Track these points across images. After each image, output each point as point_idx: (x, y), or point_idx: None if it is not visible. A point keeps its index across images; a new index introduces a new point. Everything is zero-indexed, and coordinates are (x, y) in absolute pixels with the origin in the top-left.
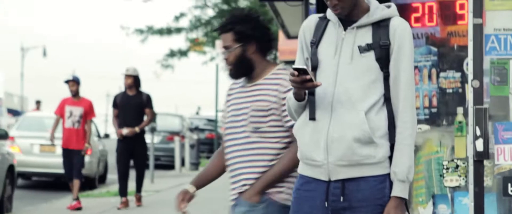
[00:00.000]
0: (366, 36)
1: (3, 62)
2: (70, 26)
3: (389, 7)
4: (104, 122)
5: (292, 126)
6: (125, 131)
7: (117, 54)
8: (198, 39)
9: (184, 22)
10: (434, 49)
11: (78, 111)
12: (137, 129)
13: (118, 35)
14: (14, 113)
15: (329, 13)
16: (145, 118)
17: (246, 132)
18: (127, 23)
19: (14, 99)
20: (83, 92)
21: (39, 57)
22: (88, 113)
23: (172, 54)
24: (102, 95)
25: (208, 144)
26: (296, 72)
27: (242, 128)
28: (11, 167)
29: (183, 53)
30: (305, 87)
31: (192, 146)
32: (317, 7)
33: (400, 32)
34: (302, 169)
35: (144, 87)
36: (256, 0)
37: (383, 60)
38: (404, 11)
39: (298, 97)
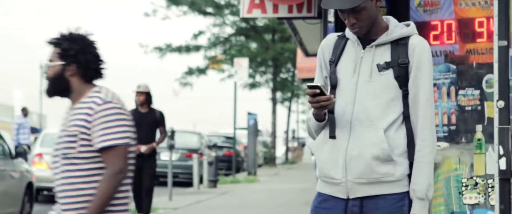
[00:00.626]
0: (385, 55)
1: (22, 80)
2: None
3: (408, 25)
4: None
5: (103, 148)
6: (143, 148)
7: (136, 72)
8: (216, 57)
9: (202, 40)
10: (453, 67)
11: None
12: (154, 145)
13: (137, 53)
14: (33, 130)
15: (348, 31)
16: (158, 135)
17: (60, 157)
18: (146, 41)
19: (33, 117)
20: None
21: None
22: None
23: (190, 72)
24: None
25: (226, 161)
26: (316, 91)
27: (58, 153)
28: (30, 184)
29: (201, 71)
30: (322, 106)
31: (210, 163)
32: (336, 25)
33: (419, 50)
34: (320, 187)
35: (163, 105)
36: (274, 18)
37: (402, 79)
38: (423, 29)
39: (318, 118)
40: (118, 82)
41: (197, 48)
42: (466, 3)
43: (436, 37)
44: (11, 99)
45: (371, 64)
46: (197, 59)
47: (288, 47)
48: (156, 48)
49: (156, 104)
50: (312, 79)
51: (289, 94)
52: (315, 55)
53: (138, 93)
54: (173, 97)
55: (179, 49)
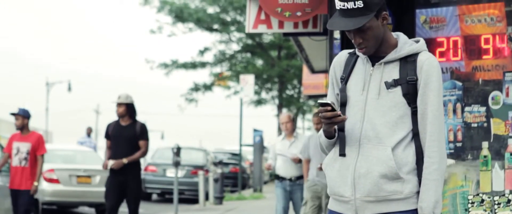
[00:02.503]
0: (393, 72)
1: (29, 98)
2: (94, 60)
3: (417, 41)
4: None
5: None
6: (110, 162)
7: (142, 88)
8: (222, 73)
9: (208, 57)
10: (459, 83)
11: (25, 147)
12: (125, 160)
13: (143, 69)
14: None
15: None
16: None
17: None
18: (152, 57)
19: None
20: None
21: (64, 92)
22: (36, 149)
23: (196, 88)
24: None
25: (232, 178)
26: (328, 108)
27: None
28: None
29: (207, 87)
30: (333, 123)
31: (216, 180)
32: (342, 42)
33: (427, 67)
34: (331, 205)
35: (168, 121)
36: (280, 35)
37: (411, 96)
38: (429, 45)
39: (328, 135)
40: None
41: (203, 64)
42: (472, 20)
43: (442, 54)
44: None
45: (379, 82)
46: (203, 76)
47: (294, 64)
48: (162, 65)
49: (161, 121)
50: (318, 96)
51: (295, 111)
52: (321, 72)
53: (118, 104)
54: (179, 114)
55: (185, 66)
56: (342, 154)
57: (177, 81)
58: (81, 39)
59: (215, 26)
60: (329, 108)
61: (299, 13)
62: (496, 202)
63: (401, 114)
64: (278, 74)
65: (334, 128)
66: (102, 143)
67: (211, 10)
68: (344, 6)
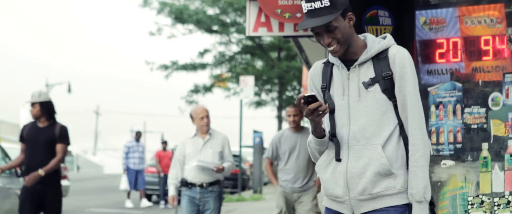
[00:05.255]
0: (368, 71)
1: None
2: (94, 62)
3: (384, 38)
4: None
5: None
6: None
7: (142, 90)
8: (222, 75)
9: (208, 58)
10: (459, 85)
11: None
12: (41, 172)
13: (143, 70)
14: None
15: (331, 57)
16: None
17: None
18: (152, 59)
19: None
20: (108, 127)
21: (63, 93)
22: None
23: (196, 90)
24: (126, 131)
25: (232, 179)
26: (312, 105)
27: None
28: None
29: (207, 89)
30: (319, 114)
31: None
32: None
33: (399, 59)
34: (327, 203)
35: (169, 123)
36: (280, 36)
37: (390, 91)
38: (429, 47)
39: (318, 134)
40: (125, 100)
41: (203, 66)
42: (472, 21)
43: (442, 55)
44: (17, 118)
45: (357, 84)
46: (202, 77)
47: (294, 65)
48: (162, 66)
49: (161, 122)
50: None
51: None
52: None
53: (31, 104)
54: (179, 115)
55: (185, 67)
56: (338, 159)
57: (177, 82)
58: (81, 40)
59: (215, 28)
60: (311, 101)
61: (299, 14)
62: (496, 204)
63: (384, 110)
64: (278, 75)
65: (323, 127)
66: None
67: (211, 11)
68: (311, 6)
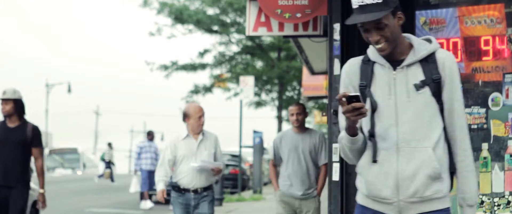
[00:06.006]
0: (417, 73)
1: (29, 99)
2: (94, 62)
3: (429, 40)
4: (128, 158)
5: None
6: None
7: (142, 90)
8: (222, 75)
9: (208, 58)
10: None
11: None
12: (41, 191)
13: (143, 71)
14: None
15: (373, 55)
16: (34, 161)
17: None
18: (152, 59)
19: None
20: (107, 127)
21: (64, 93)
22: None
23: (196, 90)
24: (126, 131)
25: (232, 179)
26: (355, 104)
27: None
28: (35, 203)
29: (207, 89)
30: (360, 114)
31: (215, 181)
32: (342, 43)
33: (449, 63)
34: (367, 203)
35: (169, 123)
36: (280, 36)
37: (437, 94)
38: None
39: (352, 132)
40: (125, 100)
41: (203, 66)
42: (472, 22)
43: None
44: None
45: (406, 85)
46: (202, 77)
47: (294, 65)
48: (162, 66)
49: (161, 122)
50: (318, 97)
51: None
52: (320, 73)
53: (3, 101)
54: (179, 115)
55: (184, 68)
56: (375, 160)
57: (177, 82)
58: (81, 40)
59: (215, 28)
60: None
61: (299, 15)
62: (496, 204)
63: (433, 113)
64: (278, 75)
65: (358, 126)
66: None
67: (210, 11)
68: (362, 2)
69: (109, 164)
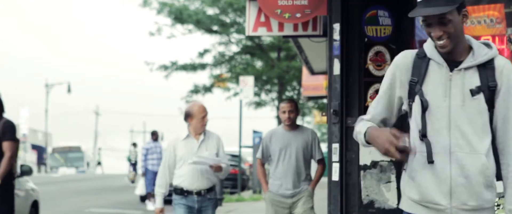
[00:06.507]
0: (474, 78)
1: (28, 99)
2: (94, 62)
3: (488, 45)
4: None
5: None
6: None
7: (142, 90)
8: (222, 75)
9: (208, 58)
10: None
11: None
12: None
13: (143, 70)
14: (38, 149)
15: (430, 52)
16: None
17: None
18: (152, 59)
19: (38, 136)
20: (107, 127)
21: (63, 93)
22: None
23: (196, 90)
24: (125, 131)
25: (231, 179)
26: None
27: None
28: (35, 203)
29: (207, 89)
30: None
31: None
32: (341, 43)
33: (507, 72)
34: (416, 209)
35: (169, 123)
36: (280, 36)
37: (490, 102)
38: None
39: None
40: (125, 100)
41: (203, 66)
42: (472, 21)
43: None
44: (17, 118)
45: (462, 88)
46: (202, 77)
47: (294, 65)
48: (162, 66)
49: (161, 122)
50: (317, 97)
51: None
52: (320, 73)
53: None
54: (179, 115)
55: (184, 68)
56: (431, 161)
57: (177, 82)
58: (81, 40)
59: (215, 28)
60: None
61: (298, 15)
62: (496, 203)
63: (485, 120)
64: (278, 75)
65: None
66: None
67: (210, 11)
68: None
69: (135, 165)
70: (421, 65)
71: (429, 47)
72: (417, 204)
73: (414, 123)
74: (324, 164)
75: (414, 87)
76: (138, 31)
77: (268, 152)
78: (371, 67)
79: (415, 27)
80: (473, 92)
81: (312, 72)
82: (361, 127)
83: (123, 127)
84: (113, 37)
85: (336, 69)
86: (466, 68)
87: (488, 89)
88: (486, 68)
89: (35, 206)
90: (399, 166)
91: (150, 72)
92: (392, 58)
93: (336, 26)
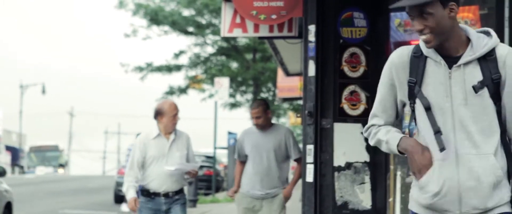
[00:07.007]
0: (475, 73)
1: (2, 100)
2: (70, 62)
3: (488, 33)
4: (102, 159)
5: None
6: None
7: (118, 90)
8: (197, 76)
9: (183, 60)
10: None
11: None
12: None
13: (118, 72)
14: (12, 150)
15: (426, 49)
16: None
17: None
18: (127, 60)
19: (12, 137)
20: (82, 129)
21: (38, 94)
22: None
23: (171, 91)
24: (100, 132)
25: (206, 180)
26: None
27: None
28: (8, 204)
29: (182, 90)
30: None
31: (190, 183)
32: (317, 45)
33: (510, 61)
34: (426, 212)
35: (144, 124)
36: (255, 38)
37: (496, 95)
38: None
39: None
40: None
41: (178, 67)
42: None
43: None
44: None
45: (463, 86)
46: (178, 79)
47: (269, 66)
48: (137, 68)
49: (136, 122)
50: (292, 99)
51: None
52: (295, 74)
53: None
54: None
55: (159, 69)
56: (443, 148)
57: (152, 84)
58: (59, 38)
59: (190, 29)
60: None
61: (274, 16)
62: None
63: (492, 116)
64: (253, 77)
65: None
66: None
67: (186, 12)
68: None
69: None
70: (418, 64)
71: (424, 44)
72: (426, 209)
73: (422, 123)
74: None
75: (414, 89)
76: (115, 31)
77: (243, 152)
78: (346, 68)
79: (390, 28)
80: (476, 89)
81: (287, 73)
82: (384, 135)
83: (97, 128)
84: (91, 36)
85: (311, 70)
86: (466, 64)
87: (492, 83)
88: (487, 60)
89: (8, 207)
90: (373, 168)
91: (125, 74)
92: (367, 59)
93: (312, 28)
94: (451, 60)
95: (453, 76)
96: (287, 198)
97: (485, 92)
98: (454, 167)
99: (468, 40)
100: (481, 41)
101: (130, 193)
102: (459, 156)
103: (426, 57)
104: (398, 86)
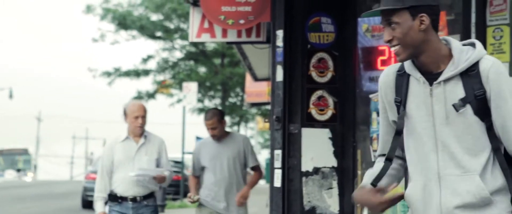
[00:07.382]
0: (457, 89)
1: None
2: (38, 65)
3: (473, 45)
4: (70, 164)
5: None
6: None
7: (86, 95)
8: (165, 81)
9: (152, 64)
10: None
11: None
12: None
13: (87, 76)
14: None
15: (408, 66)
16: None
17: None
18: (95, 65)
19: None
20: (49, 134)
21: (5, 99)
22: None
23: (139, 96)
24: (67, 137)
25: (174, 185)
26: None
27: None
28: None
29: (150, 95)
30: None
31: (159, 187)
32: (284, 50)
33: (493, 76)
34: None
35: (113, 129)
36: (223, 43)
37: (482, 111)
38: (371, 54)
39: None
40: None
41: (146, 72)
42: None
43: (384, 62)
44: None
45: (444, 104)
46: (146, 83)
47: (237, 71)
48: (105, 73)
49: (104, 128)
50: (261, 104)
51: (237, 119)
52: (263, 80)
53: None
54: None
55: (128, 74)
56: (373, 184)
57: (120, 88)
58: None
59: (159, 34)
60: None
61: (242, 21)
62: None
63: (477, 135)
64: (221, 82)
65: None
66: None
67: (154, 17)
68: None
69: None
70: (402, 82)
71: (407, 62)
72: None
73: (405, 146)
74: (260, 171)
75: (399, 108)
76: (83, 35)
77: (200, 165)
78: (313, 74)
79: (358, 34)
80: (457, 107)
81: (256, 78)
82: (365, 178)
83: (64, 133)
84: (59, 40)
85: (279, 75)
86: (446, 80)
87: (475, 99)
88: (470, 76)
89: None
90: (341, 173)
91: (93, 79)
92: (334, 65)
93: (279, 33)
94: (431, 77)
95: (434, 94)
96: (245, 197)
97: (468, 109)
98: (436, 190)
99: (451, 54)
100: (464, 55)
101: (98, 206)
102: (442, 177)
103: (409, 75)
104: (388, 108)
